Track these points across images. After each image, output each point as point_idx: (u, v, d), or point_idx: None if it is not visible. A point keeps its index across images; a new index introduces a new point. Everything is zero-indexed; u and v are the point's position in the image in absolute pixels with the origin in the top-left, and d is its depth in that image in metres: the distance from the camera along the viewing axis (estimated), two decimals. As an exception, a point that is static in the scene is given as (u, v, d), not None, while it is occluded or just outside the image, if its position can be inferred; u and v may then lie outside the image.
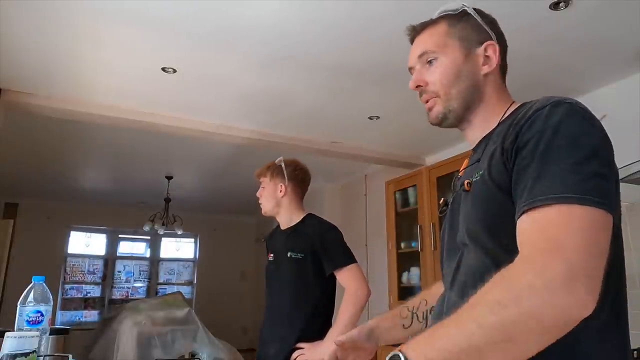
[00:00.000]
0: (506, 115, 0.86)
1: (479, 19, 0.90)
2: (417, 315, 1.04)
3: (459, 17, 0.90)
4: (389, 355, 0.62)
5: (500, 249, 0.73)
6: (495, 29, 0.91)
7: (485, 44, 0.88)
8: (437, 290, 1.06)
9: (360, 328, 1.08)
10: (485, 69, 0.88)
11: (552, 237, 0.60)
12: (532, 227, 0.64)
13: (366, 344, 1.06)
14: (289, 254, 1.87)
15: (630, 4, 1.99)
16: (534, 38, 2.24)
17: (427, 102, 0.91)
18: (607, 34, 2.23)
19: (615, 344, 0.70)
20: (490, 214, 0.75)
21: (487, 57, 0.88)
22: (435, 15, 0.92)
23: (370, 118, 3.32)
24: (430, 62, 0.90)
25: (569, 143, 0.67)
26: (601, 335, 0.68)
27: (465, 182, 0.82)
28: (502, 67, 0.91)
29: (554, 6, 2.00)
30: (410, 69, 0.94)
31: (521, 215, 0.66)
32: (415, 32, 0.94)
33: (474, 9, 0.90)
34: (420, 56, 0.91)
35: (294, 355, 1.77)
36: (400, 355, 0.61)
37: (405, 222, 3.84)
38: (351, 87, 2.86)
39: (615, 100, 2.67)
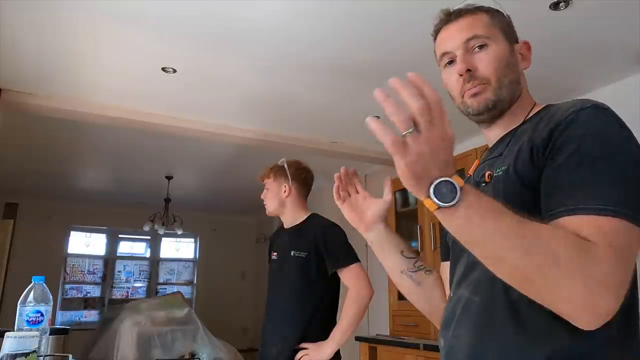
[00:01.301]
0: (531, 114, 0.85)
1: (508, 18, 0.90)
2: (417, 260, 1.02)
3: (495, 11, 0.89)
4: (446, 178, 0.59)
5: None
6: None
7: (521, 41, 0.89)
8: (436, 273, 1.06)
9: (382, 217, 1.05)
10: (524, 65, 0.89)
11: (623, 250, 0.61)
12: (595, 230, 0.62)
13: (369, 213, 1.05)
14: (292, 253, 1.87)
15: (630, 4, 1.99)
16: (534, 38, 2.23)
17: (470, 88, 0.85)
18: (607, 34, 2.23)
19: (630, 352, 0.70)
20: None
21: (521, 54, 0.89)
22: (463, 6, 0.88)
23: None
24: (479, 47, 0.84)
25: (617, 152, 0.67)
26: (615, 343, 0.68)
27: (487, 173, 0.81)
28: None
29: (554, 6, 2.00)
30: (445, 54, 0.88)
31: (570, 215, 0.65)
32: (451, 16, 0.88)
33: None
34: (469, 40, 0.84)
35: (298, 355, 1.76)
36: (454, 183, 0.59)
37: (405, 222, 3.84)
38: (352, 87, 2.86)
39: (615, 100, 2.65)
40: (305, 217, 1.99)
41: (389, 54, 2.42)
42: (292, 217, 2.00)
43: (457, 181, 0.59)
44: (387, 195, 1.03)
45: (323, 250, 1.83)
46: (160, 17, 2.13)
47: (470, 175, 0.92)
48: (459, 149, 3.58)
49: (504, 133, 0.87)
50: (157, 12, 2.09)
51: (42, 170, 5.00)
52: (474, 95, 0.84)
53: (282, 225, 2.07)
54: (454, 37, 0.86)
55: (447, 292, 0.97)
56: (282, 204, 2.00)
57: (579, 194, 0.65)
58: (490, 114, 0.86)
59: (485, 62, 0.83)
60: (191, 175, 5.36)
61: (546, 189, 0.70)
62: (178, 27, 2.21)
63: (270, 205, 2.01)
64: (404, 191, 3.87)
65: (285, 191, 1.99)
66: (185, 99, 3.03)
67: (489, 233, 0.60)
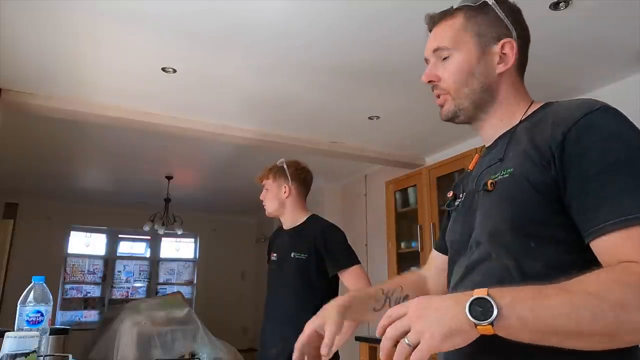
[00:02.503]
0: (528, 113, 0.83)
1: (499, 11, 0.85)
2: (390, 300, 0.98)
3: (478, 9, 0.85)
4: (475, 296, 0.60)
5: (526, 251, 0.71)
6: (518, 21, 0.88)
7: (502, 41, 0.84)
8: (412, 278, 1.04)
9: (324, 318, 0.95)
10: (500, 68, 0.84)
11: None
12: None
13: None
14: (292, 254, 1.87)
15: (630, 4, 1.99)
16: (534, 38, 2.22)
17: (438, 97, 0.89)
18: (607, 34, 2.23)
19: (631, 356, 0.70)
20: (520, 214, 0.72)
21: (503, 54, 0.84)
22: (455, 5, 0.88)
23: (370, 118, 3.32)
24: (444, 57, 0.86)
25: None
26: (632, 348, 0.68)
27: (489, 182, 0.78)
28: (521, 63, 0.88)
29: (554, 6, 2.00)
30: (426, 59, 0.91)
31: (616, 230, 0.63)
32: (433, 22, 0.90)
33: (495, 0, 0.85)
34: (435, 51, 0.87)
35: None
36: (492, 301, 0.59)
37: (405, 222, 3.84)
38: (351, 87, 2.86)
39: (615, 100, 2.65)
40: (305, 218, 1.99)
41: (389, 53, 2.42)
42: (292, 217, 2.00)
43: (478, 294, 0.60)
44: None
45: (323, 252, 1.83)
46: (160, 17, 2.13)
47: (471, 170, 0.91)
48: (459, 149, 3.58)
49: (500, 132, 0.86)
50: (157, 12, 2.09)
51: (42, 170, 5.00)
52: (440, 106, 0.88)
53: (282, 225, 2.06)
54: (429, 45, 0.90)
55: (440, 283, 0.97)
56: (282, 205, 1.99)
57: (621, 203, 0.63)
58: (457, 121, 0.88)
59: (446, 73, 0.86)
60: (191, 175, 5.36)
61: (579, 201, 0.67)
62: (178, 26, 2.21)
63: (270, 206, 2.01)
64: (403, 191, 3.88)
65: (285, 192, 1.98)
66: (185, 99, 3.03)
67: (548, 321, 0.59)
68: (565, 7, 2.00)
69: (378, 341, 3.40)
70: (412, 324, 0.62)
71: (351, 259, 1.83)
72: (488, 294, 0.60)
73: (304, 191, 2.04)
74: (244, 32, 2.25)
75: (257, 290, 7.17)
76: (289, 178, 1.99)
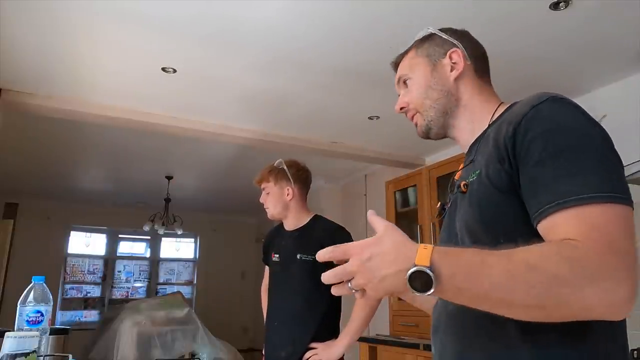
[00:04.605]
0: (496, 115, 0.87)
1: (443, 35, 0.95)
2: None
3: (424, 39, 0.98)
4: (416, 268, 0.61)
5: (498, 248, 0.73)
6: (464, 37, 0.96)
7: (449, 51, 0.93)
8: None
9: None
10: (454, 74, 0.92)
11: (608, 236, 0.61)
12: (579, 222, 0.63)
13: None
14: (298, 256, 1.85)
15: (630, 4, 1.99)
16: (534, 38, 2.24)
17: (412, 119, 0.99)
18: (607, 34, 2.23)
19: (619, 343, 0.71)
20: (487, 214, 0.75)
21: (453, 63, 0.92)
22: (414, 42, 1.01)
23: (370, 118, 3.32)
24: (405, 84, 0.98)
25: (584, 140, 0.68)
26: (601, 336, 0.68)
27: (462, 183, 0.83)
28: (480, 69, 0.94)
29: (554, 6, 2.00)
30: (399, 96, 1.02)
31: (554, 212, 0.65)
32: (395, 64, 1.04)
33: (440, 29, 0.97)
34: (398, 82, 1.00)
35: (307, 355, 1.76)
36: (431, 276, 0.60)
37: (405, 222, 3.84)
38: (352, 87, 2.86)
39: (615, 100, 2.66)
40: (309, 218, 1.96)
41: (389, 54, 2.41)
42: (295, 219, 1.96)
43: (421, 262, 0.61)
44: None
45: None
46: (159, 17, 2.13)
47: (457, 180, 0.93)
48: (459, 149, 3.57)
49: (474, 139, 0.90)
50: (157, 12, 2.09)
51: (42, 170, 5.00)
52: (415, 125, 0.98)
53: (281, 224, 2.04)
54: (395, 81, 1.03)
55: None
56: (285, 208, 1.94)
57: (558, 188, 0.65)
58: (433, 133, 0.96)
59: (410, 94, 0.97)
60: (191, 175, 5.36)
61: (525, 190, 0.70)
62: (178, 27, 2.21)
63: (273, 209, 1.95)
64: (403, 191, 3.88)
65: (288, 194, 1.93)
66: (185, 99, 3.03)
67: (484, 291, 0.61)
68: (565, 7, 2.00)
69: (378, 341, 3.40)
70: (357, 276, 0.64)
71: None
72: (430, 264, 0.61)
73: (305, 192, 2.01)
74: (245, 32, 2.25)
75: (257, 290, 7.12)
76: (291, 179, 1.94)
